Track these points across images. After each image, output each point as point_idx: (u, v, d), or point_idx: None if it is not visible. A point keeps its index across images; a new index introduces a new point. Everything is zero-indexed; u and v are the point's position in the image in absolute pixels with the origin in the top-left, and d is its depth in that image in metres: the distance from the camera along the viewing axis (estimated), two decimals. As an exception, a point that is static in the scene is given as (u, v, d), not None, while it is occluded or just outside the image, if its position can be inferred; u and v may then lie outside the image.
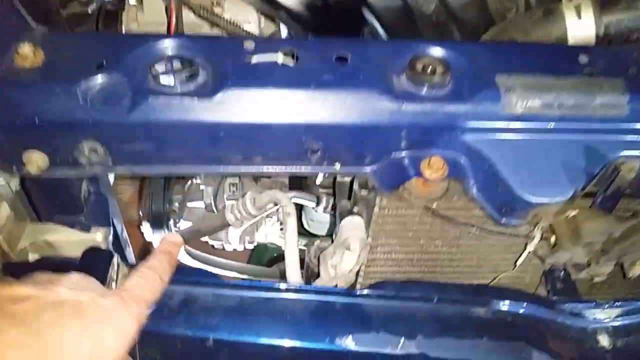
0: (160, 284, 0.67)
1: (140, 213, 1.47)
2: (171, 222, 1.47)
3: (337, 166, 0.86)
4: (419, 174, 0.84)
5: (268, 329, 0.85)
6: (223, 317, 0.84)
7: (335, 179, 1.26)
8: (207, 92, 0.77)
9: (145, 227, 1.44)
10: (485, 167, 0.84)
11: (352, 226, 0.88)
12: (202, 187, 1.49)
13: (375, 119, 0.79)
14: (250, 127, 0.79)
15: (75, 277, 0.59)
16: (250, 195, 1.13)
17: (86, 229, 0.90)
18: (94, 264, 0.83)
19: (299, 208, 1.67)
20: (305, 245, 1.13)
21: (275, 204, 1.12)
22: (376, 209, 0.95)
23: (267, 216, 1.46)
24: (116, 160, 0.81)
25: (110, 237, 0.89)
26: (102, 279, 0.82)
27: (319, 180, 1.47)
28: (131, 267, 0.87)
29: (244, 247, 1.57)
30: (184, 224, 1.48)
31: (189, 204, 1.50)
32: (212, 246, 1.61)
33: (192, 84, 0.77)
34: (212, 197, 1.47)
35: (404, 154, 0.85)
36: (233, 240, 1.52)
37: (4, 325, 0.49)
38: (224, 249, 1.58)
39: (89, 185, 0.93)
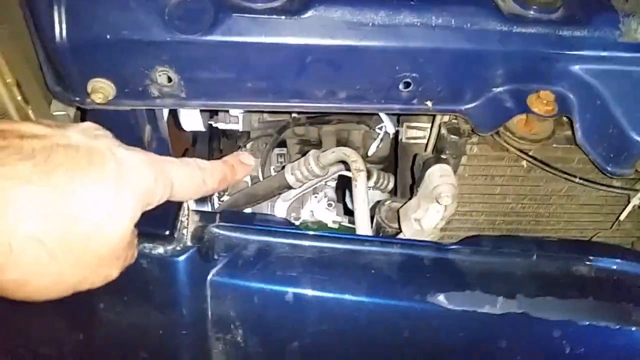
0: (201, 183, 0.59)
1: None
2: (215, 196, 1.39)
3: (429, 104, 0.77)
4: (522, 110, 0.75)
5: (352, 283, 0.75)
6: (303, 270, 0.75)
7: (397, 140, 1.18)
8: (294, 10, 0.69)
9: (189, 201, 1.35)
10: (596, 104, 0.75)
11: (442, 173, 0.79)
12: (247, 158, 1.41)
13: (481, 44, 0.71)
14: (340, 51, 0.70)
15: (87, 125, 0.51)
16: (314, 153, 1.04)
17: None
18: (165, 206, 0.74)
19: (343, 187, 1.59)
20: (375, 205, 1.04)
21: (342, 162, 1.03)
22: (464, 159, 0.86)
23: (314, 193, 1.38)
24: (190, 92, 0.73)
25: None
26: (172, 225, 0.73)
27: (372, 150, 1.40)
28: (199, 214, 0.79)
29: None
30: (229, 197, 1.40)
31: (234, 177, 1.42)
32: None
33: (278, 2, 0.69)
34: (258, 169, 1.38)
35: (506, 88, 0.76)
36: (279, 214, 1.44)
37: (12, 159, 0.42)
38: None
39: (151, 130, 0.85)
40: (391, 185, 1.28)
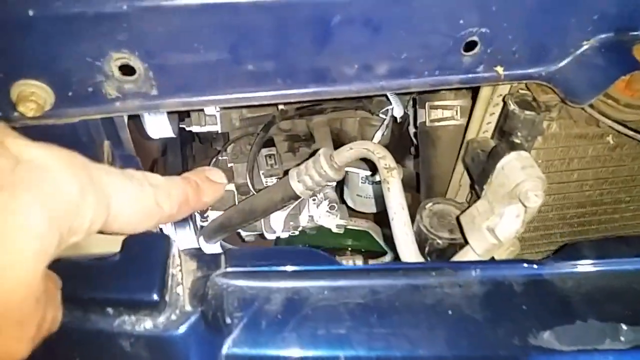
0: (153, 205, 0.40)
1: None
2: (196, 212, 1.15)
3: (500, 70, 0.55)
4: (631, 67, 0.54)
5: (424, 333, 0.54)
6: (354, 323, 0.53)
7: (422, 125, 0.97)
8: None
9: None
10: None
11: (524, 163, 0.58)
12: (230, 164, 1.18)
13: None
14: (381, 5, 0.48)
15: None
16: (325, 152, 0.81)
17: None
18: (146, 256, 0.51)
19: (340, 183, 1.38)
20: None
21: (365, 160, 0.81)
22: (538, 141, 0.65)
23: (312, 195, 1.15)
24: (164, 87, 0.50)
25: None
26: (160, 282, 0.50)
27: (376, 139, 1.18)
28: (196, 260, 0.55)
29: (289, 235, 1.26)
30: (214, 214, 1.16)
31: (217, 188, 1.18)
32: (242, 238, 1.30)
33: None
34: (246, 175, 1.15)
35: (603, 38, 0.55)
36: (277, 225, 1.21)
37: None
38: (262, 238, 1.26)
39: (111, 146, 0.61)
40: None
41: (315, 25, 0.48)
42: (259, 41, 0.49)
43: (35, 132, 0.54)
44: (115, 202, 0.37)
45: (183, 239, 1.19)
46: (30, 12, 0.42)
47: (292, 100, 0.55)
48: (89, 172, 0.35)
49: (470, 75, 0.56)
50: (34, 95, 0.47)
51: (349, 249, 1.55)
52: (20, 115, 0.49)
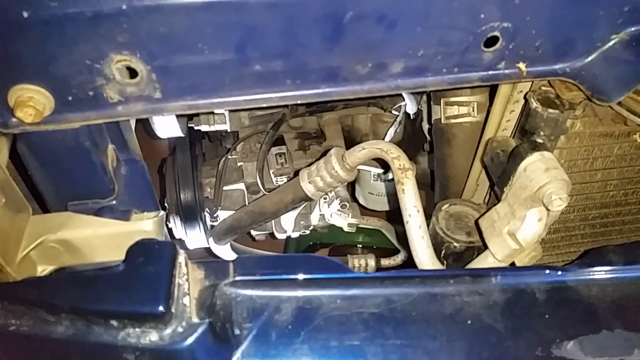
0: None
1: (166, 205, 1.13)
2: (206, 212, 1.13)
3: (522, 67, 0.53)
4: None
5: (443, 345, 0.52)
6: (368, 334, 0.51)
7: (436, 122, 0.94)
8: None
9: (174, 222, 1.09)
10: None
11: (548, 165, 0.55)
12: (239, 163, 1.16)
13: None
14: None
15: None
16: (337, 152, 0.79)
17: (121, 216, 0.56)
18: (151, 266, 0.49)
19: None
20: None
21: (377, 160, 0.78)
22: (561, 140, 0.62)
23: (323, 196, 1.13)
24: (168, 90, 0.48)
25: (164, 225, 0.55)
26: (166, 293, 0.48)
27: (388, 136, 1.16)
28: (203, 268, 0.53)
29: (299, 234, 1.24)
30: (223, 214, 1.14)
31: (226, 187, 1.16)
32: (253, 237, 1.28)
33: None
34: (256, 174, 1.13)
35: (634, 31, 0.51)
36: (287, 225, 1.19)
37: None
38: (273, 237, 1.23)
39: (116, 150, 0.58)
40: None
41: (327, 22, 0.46)
42: (266, 40, 0.46)
43: (35, 138, 0.52)
44: None
45: (193, 240, 1.17)
46: (25, 14, 0.40)
47: (301, 102, 0.52)
48: None
49: (490, 73, 0.53)
50: (32, 101, 0.45)
51: (361, 245, 1.53)
52: (18, 121, 0.47)
